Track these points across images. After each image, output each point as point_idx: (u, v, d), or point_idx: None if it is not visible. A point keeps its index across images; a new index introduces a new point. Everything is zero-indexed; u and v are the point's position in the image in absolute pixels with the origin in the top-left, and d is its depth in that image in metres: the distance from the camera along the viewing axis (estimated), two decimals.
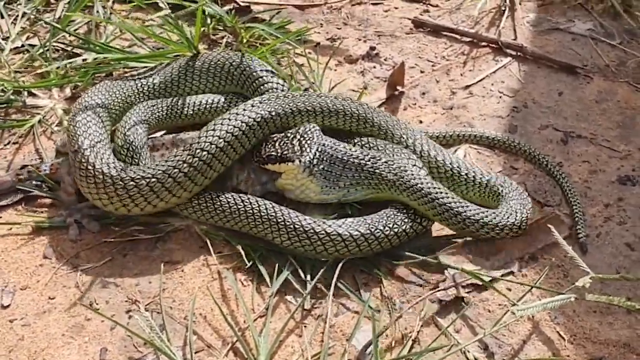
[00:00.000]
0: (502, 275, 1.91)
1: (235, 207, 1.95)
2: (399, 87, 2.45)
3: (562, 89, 2.46)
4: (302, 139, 2.03)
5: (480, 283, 1.88)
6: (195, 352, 1.74)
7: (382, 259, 1.95)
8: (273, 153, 2.01)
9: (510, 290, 1.88)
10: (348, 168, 2.03)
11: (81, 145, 1.96)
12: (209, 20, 2.66)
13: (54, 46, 2.58)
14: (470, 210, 1.93)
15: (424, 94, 2.46)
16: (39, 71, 2.50)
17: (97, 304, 1.85)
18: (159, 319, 1.81)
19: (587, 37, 2.67)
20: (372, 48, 2.64)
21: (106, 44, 2.52)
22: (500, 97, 2.44)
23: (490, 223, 1.93)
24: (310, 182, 2.02)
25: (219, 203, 1.96)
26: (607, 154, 2.24)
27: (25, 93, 2.41)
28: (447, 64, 2.58)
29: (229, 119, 2.02)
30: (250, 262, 1.92)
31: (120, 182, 1.89)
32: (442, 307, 1.85)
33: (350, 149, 2.05)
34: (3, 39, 2.64)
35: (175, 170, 1.92)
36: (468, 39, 2.68)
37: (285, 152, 2.01)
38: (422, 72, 2.55)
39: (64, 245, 1.99)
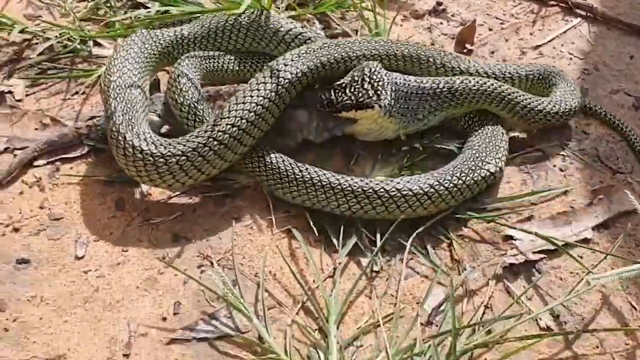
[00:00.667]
0: (576, 242, 1.89)
1: (303, 181, 1.93)
2: (467, 45, 2.41)
3: (633, 52, 2.42)
4: (372, 81, 2.00)
5: (553, 248, 1.86)
6: (267, 309, 1.75)
7: (451, 222, 1.94)
8: (348, 101, 1.99)
9: (582, 257, 1.86)
10: (424, 99, 2.05)
11: (114, 111, 1.92)
12: None
13: None
14: (537, 103, 2.04)
15: (493, 52, 2.42)
16: (103, 21, 2.49)
17: (169, 257, 1.87)
18: (230, 274, 1.82)
19: None
20: (439, 3, 2.60)
21: None
22: (571, 58, 2.40)
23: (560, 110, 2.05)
24: (390, 123, 2.03)
25: (286, 177, 1.94)
26: None
27: (91, 43, 2.39)
28: (516, 22, 2.53)
29: (257, 90, 1.97)
30: (318, 226, 1.92)
31: (150, 158, 1.86)
32: (512, 272, 1.85)
33: (421, 81, 2.06)
34: None
35: (206, 148, 1.88)
36: None
37: (361, 99, 1.99)
38: (490, 29, 2.51)
39: (134, 199, 2.00)
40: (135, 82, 2.01)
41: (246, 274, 1.84)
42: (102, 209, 1.97)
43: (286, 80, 1.99)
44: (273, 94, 1.96)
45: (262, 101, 1.94)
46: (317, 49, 2.09)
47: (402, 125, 2.04)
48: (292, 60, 2.04)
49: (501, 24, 2.52)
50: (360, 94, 1.99)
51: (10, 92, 2.26)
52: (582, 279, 1.79)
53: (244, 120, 1.90)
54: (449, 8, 2.57)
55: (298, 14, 2.48)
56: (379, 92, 1.99)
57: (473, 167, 1.96)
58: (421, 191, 1.89)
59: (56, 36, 2.39)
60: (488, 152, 2.01)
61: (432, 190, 1.89)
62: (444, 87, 2.06)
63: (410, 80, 2.05)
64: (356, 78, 2.03)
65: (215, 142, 1.88)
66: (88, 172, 2.04)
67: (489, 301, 1.78)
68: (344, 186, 1.90)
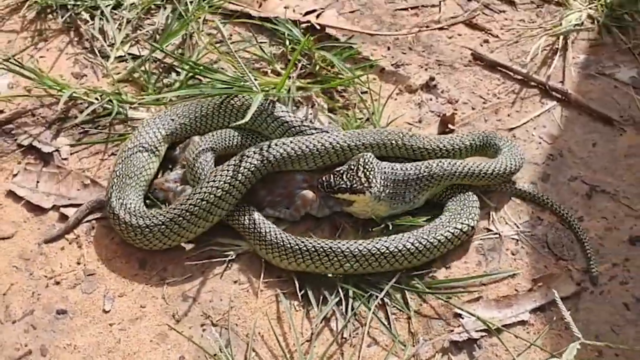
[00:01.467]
0: (512, 324, 2.28)
1: (292, 248, 2.34)
2: (450, 126, 2.77)
3: (596, 140, 2.74)
4: (365, 170, 2.41)
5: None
6: None
7: (413, 296, 2.33)
8: (343, 185, 2.40)
9: (517, 337, 2.25)
10: (409, 184, 2.46)
11: (110, 197, 2.41)
12: (287, 42, 2.99)
13: (153, 57, 2.96)
14: (491, 167, 2.50)
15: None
16: (139, 83, 2.90)
17: (178, 315, 2.30)
18: (226, 334, 2.25)
19: (629, 86, 2.91)
20: (432, 79, 2.95)
21: (195, 63, 2.89)
22: (540, 142, 2.74)
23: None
24: (380, 206, 2.43)
25: (282, 246, 2.35)
26: (624, 211, 2.54)
27: (127, 106, 2.81)
28: (497, 102, 2.87)
29: (227, 170, 2.40)
30: (302, 291, 2.34)
31: (139, 229, 2.34)
32: (457, 347, 2.25)
33: (405, 168, 2.47)
34: (109, 46, 3.03)
35: (180, 218, 2.34)
36: (520, 77, 2.95)
37: (355, 185, 2.39)
38: (473, 109, 2.85)
39: (154, 258, 2.43)
40: (135, 173, 2.48)
41: (239, 334, 2.27)
42: (127, 267, 2.41)
43: (252, 166, 2.43)
44: (240, 175, 2.40)
45: (230, 180, 2.38)
46: (289, 142, 2.49)
47: (392, 207, 2.45)
48: (261, 150, 2.46)
49: (483, 103, 2.87)
50: (354, 181, 2.40)
51: (57, 150, 2.69)
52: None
53: (212, 196, 2.35)
54: (440, 84, 2.92)
55: (305, 87, 2.85)
56: (369, 180, 2.39)
57: (449, 226, 2.37)
58: (404, 248, 2.31)
59: (97, 99, 2.80)
60: (462, 214, 2.41)
61: (413, 247, 2.32)
62: (424, 172, 2.46)
63: (397, 169, 2.46)
64: (352, 166, 2.43)
65: (188, 214, 2.34)
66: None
67: None
68: (333, 249, 2.31)
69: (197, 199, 2.35)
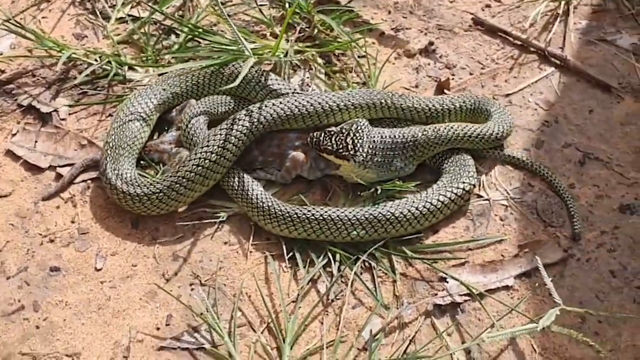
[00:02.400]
0: (496, 289, 2.30)
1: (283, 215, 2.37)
2: (445, 91, 2.76)
3: (593, 107, 2.73)
4: (354, 137, 2.42)
5: (477, 292, 2.28)
6: (238, 326, 2.23)
7: (399, 260, 2.36)
8: (329, 147, 2.42)
9: (500, 302, 2.27)
10: (397, 154, 2.47)
11: (105, 168, 2.44)
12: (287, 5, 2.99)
13: (153, 19, 2.97)
14: (477, 131, 2.51)
15: None
16: (138, 45, 2.92)
17: (168, 274, 2.35)
18: (214, 293, 2.30)
19: (630, 52, 2.88)
20: (431, 43, 2.94)
21: (194, 25, 2.90)
22: (536, 109, 2.73)
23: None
24: (366, 173, 2.45)
25: (269, 212, 2.38)
26: (616, 179, 2.53)
27: (126, 68, 2.83)
28: (495, 68, 2.86)
29: (220, 134, 2.43)
30: (290, 253, 2.37)
31: (137, 197, 2.39)
32: (440, 310, 2.27)
33: (394, 136, 2.48)
34: (110, 7, 3.05)
35: (177, 184, 2.38)
36: (519, 43, 2.93)
37: (340, 150, 2.41)
38: (471, 74, 2.85)
39: (147, 218, 2.47)
40: (127, 143, 2.52)
41: (227, 293, 2.31)
42: (120, 226, 2.46)
43: (244, 128, 2.45)
44: (232, 138, 2.43)
45: (223, 144, 2.41)
46: (278, 103, 2.51)
47: (379, 174, 2.47)
48: (251, 112, 2.48)
49: (482, 68, 2.86)
50: (340, 145, 2.41)
51: (56, 111, 2.73)
52: (493, 324, 2.21)
53: (206, 161, 2.39)
54: (439, 49, 2.92)
55: (302, 50, 2.86)
56: (356, 148, 2.40)
57: (452, 187, 2.40)
58: (409, 213, 2.34)
59: (96, 60, 2.83)
60: (461, 174, 2.45)
61: (417, 211, 2.35)
62: (410, 140, 2.47)
63: (385, 137, 2.47)
64: (343, 130, 2.44)
65: (184, 180, 2.38)
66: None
67: (415, 335, 2.21)
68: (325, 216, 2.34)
69: (192, 164, 2.39)
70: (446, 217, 2.45)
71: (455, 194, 2.41)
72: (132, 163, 2.50)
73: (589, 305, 2.24)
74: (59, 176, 2.55)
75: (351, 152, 2.39)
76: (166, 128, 2.68)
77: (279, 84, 2.60)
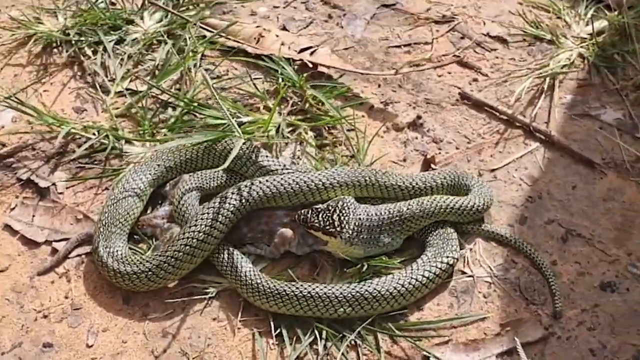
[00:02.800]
0: None
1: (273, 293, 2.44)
2: (432, 166, 2.84)
3: (576, 182, 2.79)
4: (340, 214, 2.49)
5: None
6: None
7: (385, 338, 2.41)
8: (316, 224, 2.49)
9: None
10: (384, 229, 2.53)
11: (97, 246, 2.52)
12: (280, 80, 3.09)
13: (150, 92, 3.07)
14: (458, 204, 2.57)
15: None
16: (135, 119, 3.01)
17: (157, 351, 2.41)
18: None
19: (614, 127, 2.95)
20: (419, 117, 3.02)
21: (190, 100, 2.99)
22: (520, 185, 2.80)
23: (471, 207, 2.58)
24: (353, 250, 2.52)
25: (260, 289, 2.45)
26: (598, 256, 2.59)
27: (123, 141, 2.92)
28: (481, 142, 2.93)
29: (208, 213, 2.50)
30: (278, 329, 2.43)
31: (127, 275, 2.46)
32: None
33: (379, 213, 2.54)
34: (110, 81, 3.16)
35: (165, 264, 2.45)
36: (505, 118, 3.00)
37: (327, 227, 2.48)
38: (457, 148, 2.92)
39: (138, 294, 2.53)
40: (120, 221, 2.60)
41: None
42: (112, 301, 2.52)
43: (232, 206, 2.53)
44: (220, 217, 2.50)
45: (211, 223, 2.49)
46: (265, 181, 2.59)
47: (366, 251, 2.54)
48: (240, 190, 2.55)
49: (468, 142, 2.93)
50: (327, 222, 2.49)
51: (54, 185, 2.81)
52: None
53: (194, 240, 2.46)
54: (427, 123, 2.99)
55: (294, 124, 2.95)
56: (342, 225, 2.48)
57: (436, 261, 2.47)
58: (395, 290, 2.41)
59: (94, 134, 2.92)
60: (445, 247, 2.52)
61: (403, 288, 2.42)
62: (396, 216, 2.54)
63: (371, 215, 2.54)
64: (330, 207, 2.52)
65: (172, 260, 2.45)
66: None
67: None
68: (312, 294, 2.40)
69: (181, 244, 2.46)
70: (431, 292, 2.50)
71: (440, 268, 2.47)
72: (124, 240, 2.58)
73: None
74: (54, 251, 2.63)
75: (337, 229, 2.47)
76: (160, 202, 2.75)
77: (268, 161, 2.68)
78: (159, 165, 2.72)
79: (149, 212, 2.72)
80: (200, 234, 2.46)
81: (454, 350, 2.39)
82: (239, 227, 2.60)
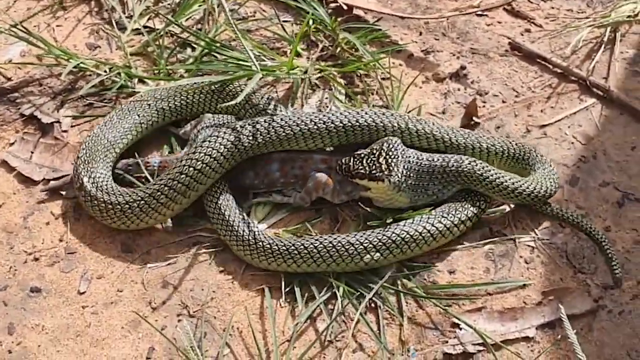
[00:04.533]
0: (515, 340, 2.06)
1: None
2: (475, 118, 2.54)
3: (636, 143, 2.48)
4: (387, 156, 2.21)
5: (492, 342, 2.03)
6: None
7: (409, 299, 2.13)
8: (361, 170, 2.21)
9: (518, 356, 2.03)
10: (435, 177, 2.25)
11: (83, 181, 2.27)
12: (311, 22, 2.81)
13: (169, 30, 2.82)
14: (529, 187, 2.22)
15: (498, 127, 2.54)
16: (152, 57, 2.76)
17: (155, 302, 2.16)
18: (203, 326, 2.10)
19: None
20: (463, 67, 2.72)
21: (212, 39, 2.74)
22: (573, 143, 2.49)
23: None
24: (400, 196, 2.23)
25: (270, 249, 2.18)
26: None
27: (136, 80, 2.68)
28: (531, 97, 2.63)
29: (205, 146, 2.25)
30: (290, 286, 2.16)
31: (118, 206, 2.21)
32: None
33: (431, 158, 2.25)
34: (127, 18, 2.91)
35: (158, 193, 2.20)
36: (559, 71, 2.69)
37: (373, 171, 2.20)
38: (504, 102, 2.62)
39: (139, 240, 2.29)
40: (107, 152, 2.37)
41: (217, 327, 2.11)
42: (110, 247, 2.28)
43: (239, 138, 2.27)
44: (223, 148, 2.25)
45: (211, 152, 2.24)
46: (280, 119, 2.32)
47: (413, 198, 2.25)
48: (253, 123, 2.31)
49: (516, 96, 2.62)
50: (374, 167, 2.21)
51: (58, 122, 2.58)
52: None
53: (191, 169, 2.21)
54: (471, 74, 2.70)
55: (322, 69, 2.67)
56: (390, 168, 2.19)
57: (461, 207, 2.22)
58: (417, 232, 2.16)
59: (105, 71, 2.68)
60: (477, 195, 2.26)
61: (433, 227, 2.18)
62: (452, 167, 2.24)
63: (422, 159, 2.25)
64: (374, 151, 2.24)
65: (166, 188, 2.20)
66: None
67: None
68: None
69: (177, 172, 2.22)
70: (465, 254, 2.23)
71: (473, 212, 2.22)
72: (108, 170, 2.37)
73: None
74: (51, 191, 2.39)
75: (385, 173, 2.19)
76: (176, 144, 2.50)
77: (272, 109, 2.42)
78: (149, 105, 2.47)
79: (168, 153, 2.47)
80: (198, 163, 2.21)
81: (488, 318, 2.10)
82: (270, 170, 2.35)
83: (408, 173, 2.22)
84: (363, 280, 2.16)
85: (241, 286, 2.19)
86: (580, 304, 2.12)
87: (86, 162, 2.30)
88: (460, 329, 2.07)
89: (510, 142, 2.37)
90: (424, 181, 2.25)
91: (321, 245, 2.14)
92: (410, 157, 2.24)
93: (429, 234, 2.16)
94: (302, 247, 2.13)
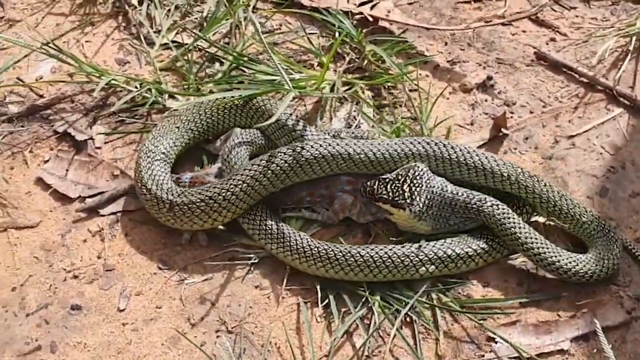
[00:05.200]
0: (549, 353, 2.08)
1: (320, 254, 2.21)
2: (503, 130, 2.56)
3: None
4: (412, 184, 2.24)
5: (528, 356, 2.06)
6: None
7: (444, 314, 2.16)
8: (384, 196, 2.24)
9: None
10: (457, 210, 2.26)
11: (145, 183, 2.32)
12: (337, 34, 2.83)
13: (197, 46, 2.85)
14: (562, 259, 2.16)
15: (527, 138, 2.57)
16: (180, 72, 2.79)
17: (193, 319, 2.20)
18: (242, 342, 2.13)
19: None
20: (489, 78, 2.74)
21: (239, 54, 2.76)
22: (601, 153, 2.51)
23: (581, 272, 2.15)
24: (420, 224, 2.26)
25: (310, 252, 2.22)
26: None
27: (166, 96, 2.71)
28: (558, 107, 2.65)
29: (266, 160, 2.29)
30: (325, 300, 2.19)
31: (178, 206, 2.26)
32: None
33: (457, 192, 2.26)
34: (155, 33, 2.94)
35: (219, 197, 2.25)
36: (586, 80, 2.71)
37: (396, 198, 2.23)
38: (531, 112, 2.64)
39: (176, 256, 2.33)
40: (161, 159, 2.42)
41: (255, 343, 2.14)
42: (147, 264, 2.32)
43: (286, 161, 2.31)
44: (283, 163, 2.29)
45: (273, 168, 2.28)
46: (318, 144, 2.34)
47: (435, 227, 2.27)
48: (302, 146, 2.33)
49: (543, 107, 2.65)
50: (397, 193, 2.23)
51: (92, 139, 2.62)
52: None
53: (252, 179, 2.27)
54: (498, 84, 2.72)
55: (350, 82, 2.70)
56: (413, 197, 2.22)
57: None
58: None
59: (136, 87, 2.71)
60: None
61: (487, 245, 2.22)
62: (474, 205, 2.25)
63: (447, 191, 2.26)
64: (399, 177, 2.26)
65: (228, 193, 2.25)
66: (145, 222, 2.38)
67: None
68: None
69: (239, 179, 2.28)
70: (484, 271, 2.27)
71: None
72: (168, 172, 2.44)
73: None
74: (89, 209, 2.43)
75: (407, 201, 2.21)
76: (209, 161, 2.53)
77: (312, 134, 2.45)
78: (178, 127, 2.50)
79: (199, 169, 2.50)
80: (257, 174, 2.28)
81: (522, 332, 2.13)
82: (299, 190, 2.38)
83: (430, 203, 2.24)
84: (397, 294, 2.19)
85: (277, 301, 2.22)
86: (613, 316, 2.14)
87: (148, 166, 2.38)
88: (496, 342, 2.10)
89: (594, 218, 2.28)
90: (446, 212, 2.27)
91: (377, 255, 2.17)
92: (434, 187, 2.26)
93: (483, 251, 2.23)
94: (358, 255, 2.19)
